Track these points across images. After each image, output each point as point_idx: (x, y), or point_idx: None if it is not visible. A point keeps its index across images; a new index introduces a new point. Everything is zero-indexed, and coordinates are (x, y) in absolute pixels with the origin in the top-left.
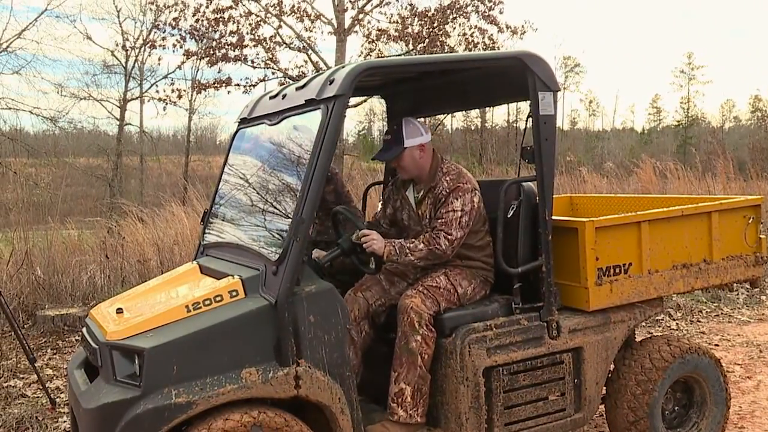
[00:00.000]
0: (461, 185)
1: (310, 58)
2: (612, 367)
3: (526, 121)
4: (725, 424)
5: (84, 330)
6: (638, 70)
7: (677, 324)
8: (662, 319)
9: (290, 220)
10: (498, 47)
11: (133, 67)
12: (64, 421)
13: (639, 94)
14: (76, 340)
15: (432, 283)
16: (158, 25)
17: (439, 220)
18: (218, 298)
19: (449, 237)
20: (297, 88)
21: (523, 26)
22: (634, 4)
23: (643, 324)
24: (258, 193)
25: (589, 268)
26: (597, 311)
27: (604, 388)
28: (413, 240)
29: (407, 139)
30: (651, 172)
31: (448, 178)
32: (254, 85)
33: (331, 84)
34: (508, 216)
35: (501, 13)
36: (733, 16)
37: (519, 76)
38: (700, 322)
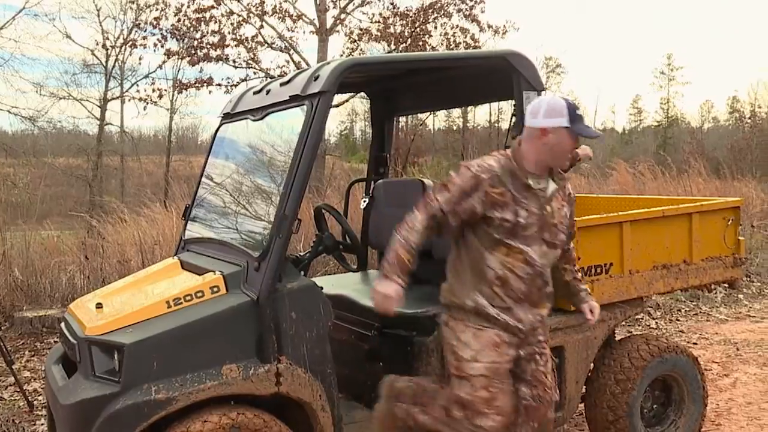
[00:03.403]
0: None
1: (291, 58)
2: (592, 366)
3: (510, 120)
4: (702, 421)
5: (62, 325)
6: (619, 71)
7: (656, 323)
8: (642, 318)
9: (273, 216)
10: (480, 47)
11: (114, 66)
12: (42, 424)
13: (620, 94)
14: (55, 341)
15: None
16: (139, 24)
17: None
18: (199, 294)
19: None
20: (281, 84)
21: (504, 26)
22: (615, 4)
23: (623, 322)
24: (240, 189)
25: None
26: (578, 311)
27: (584, 387)
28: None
29: None
30: (626, 174)
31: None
32: (236, 85)
33: (316, 80)
34: None
35: (482, 12)
36: (711, 18)
37: (503, 76)
38: (679, 320)
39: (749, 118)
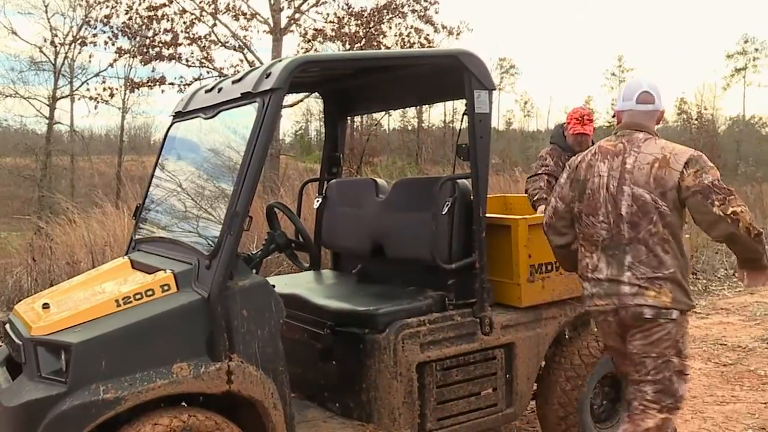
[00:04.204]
0: None
1: (245, 57)
2: (543, 363)
3: (462, 119)
4: None
5: (7, 326)
6: (571, 72)
7: None
8: None
9: (224, 213)
10: (434, 47)
11: (63, 64)
12: None
13: (572, 95)
14: (0, 346)
15: None
16: (89, 21)
17: None
18: (149, 293)
19: None
20: (233, 82)
21: (458, 26)
22: (568, 6)
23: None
24: (192, 188)
25: (522, 265)
26: (529, 308)
27: (535, 384)
28: None
29: None
30: None
31: None
32: (188, 84)
33: (267, 77)
34: (443, 213)
35: (437, 12)
36: (660, 20)
37: (455, 75)
38: None
39: (696, 119)
